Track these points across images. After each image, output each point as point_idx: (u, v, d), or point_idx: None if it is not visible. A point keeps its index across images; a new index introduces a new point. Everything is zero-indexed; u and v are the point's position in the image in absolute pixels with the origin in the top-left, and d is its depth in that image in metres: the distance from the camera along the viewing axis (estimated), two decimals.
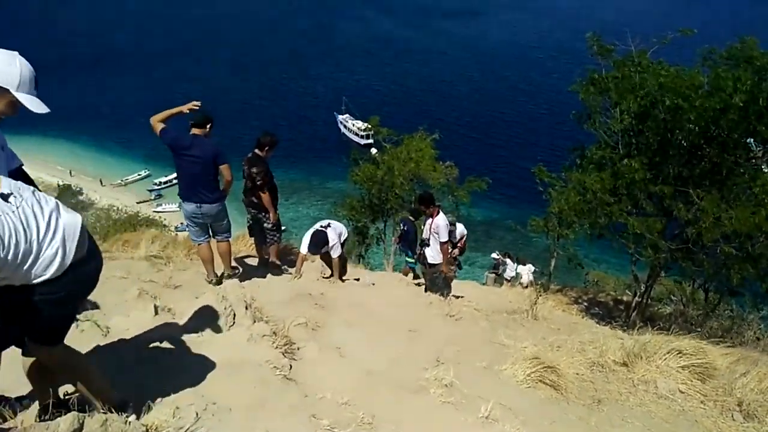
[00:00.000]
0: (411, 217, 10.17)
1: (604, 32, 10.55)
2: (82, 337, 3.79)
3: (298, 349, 4.25)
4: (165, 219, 32.07)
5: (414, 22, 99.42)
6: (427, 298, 7.57)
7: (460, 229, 8.90)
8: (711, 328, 10.00)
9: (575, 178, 10.46)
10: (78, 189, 42.16)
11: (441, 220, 7.48)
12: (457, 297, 8.14)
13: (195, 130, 6.14)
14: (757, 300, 9.23)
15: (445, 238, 7.51)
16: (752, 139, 8.88)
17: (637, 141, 9.85)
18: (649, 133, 9.46)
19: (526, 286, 15.72)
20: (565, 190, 11.54)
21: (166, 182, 54.58)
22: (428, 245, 7.72)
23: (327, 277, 7.85)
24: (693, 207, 8.78)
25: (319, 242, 7.10)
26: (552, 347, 5.38)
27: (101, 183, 54.16)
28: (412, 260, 9.71)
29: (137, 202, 48.46)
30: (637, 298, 11.84)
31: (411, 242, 9.86)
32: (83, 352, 3.65)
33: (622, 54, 10.40)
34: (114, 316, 4.39)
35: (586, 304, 14.78)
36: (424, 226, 7.84)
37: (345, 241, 7.74)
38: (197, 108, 5.74)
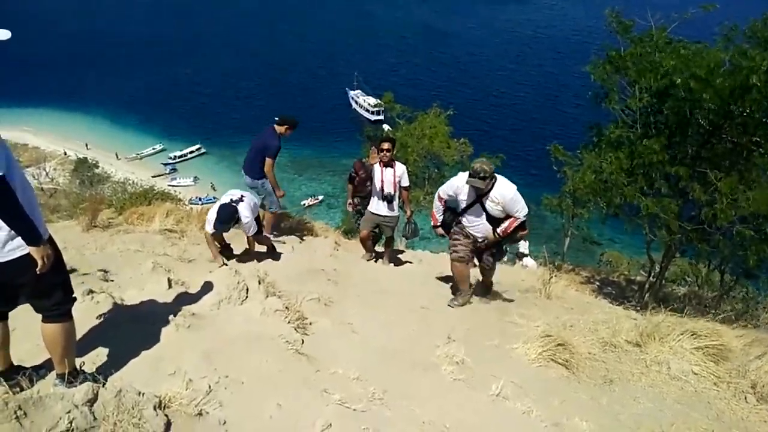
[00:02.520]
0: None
1: (626, 8, 10.31)
2: (97, 308, 3.84)
3: (311, 324, 4.27)
4: (180, 193, 32.23)
5: (432, 4, 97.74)
6: (440, 276, 7.58)
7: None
8: (725, 310, 9.91)
9: (590, 159, 10.32)
10: (94, 162, 42.38)
11: (402, 166, 7.02)
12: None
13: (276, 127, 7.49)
14: None
15: (407, 182, 7.10)
16: None
17: (655, 120, 9.66)
18: (668, 112, 9.27)
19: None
20: (580, 169, 11.40)
21: (180, 156, 54.89)
22: (393, 198, 6.96)
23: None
24: (710, 188, 8.64)
25: (227, 218, 5.81)
26: (564, 326, 5.35)
27: (117, 156, 54.49)
28: None
29: (152, 176, 48.73)
30: (651, 279, 11.75)
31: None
32: (97, 323, 3.72)
33: (641, 31, 10.16)
34: (128, 288, 4.43)
35: (599, 283, 14.71)
36: (380, 176, 6.86)
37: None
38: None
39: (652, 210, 9.28)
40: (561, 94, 63.32)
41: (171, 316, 3.75)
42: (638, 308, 10.04)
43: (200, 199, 41.93)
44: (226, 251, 6.45)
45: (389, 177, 6.85)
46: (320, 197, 47.89)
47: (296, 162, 53.43)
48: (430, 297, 5.90)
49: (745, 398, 4.29)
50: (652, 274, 11.87)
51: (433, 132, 15.96)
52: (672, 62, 8.35)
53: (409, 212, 7.31)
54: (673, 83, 8.37)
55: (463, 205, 5.45)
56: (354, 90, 64.89)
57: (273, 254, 6.61)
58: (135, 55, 76.08)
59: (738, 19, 9.47)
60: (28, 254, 2.60)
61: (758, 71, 7.64)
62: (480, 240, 5.52)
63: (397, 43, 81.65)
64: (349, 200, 8.01)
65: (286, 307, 4.13)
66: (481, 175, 5.08)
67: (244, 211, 5.91)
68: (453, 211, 5.68)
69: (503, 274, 11.94)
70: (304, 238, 8.52)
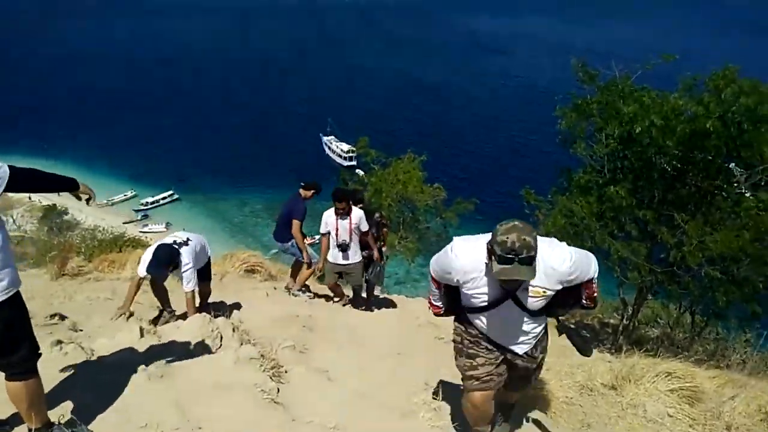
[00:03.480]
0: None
1: (590, 59, 10.70)
2: (65, 359, 3.73)
3: (286, 372, 4.21)
4: (151, 239, 31.77)
5: (406, 54, 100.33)
6: (416, 321, 7.56)
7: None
8: (697, 351, 10.03)
9: (562, 202, 10.51)
10: (63, 209, 41.70)
11: (359, 212, 7.05)
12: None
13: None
14: (743, 323, 9.27)
15: (366, 227, 7.10)
16: (734, 164, 8.99)
17: (621, 165, 9.94)
18: (633, 157, 9.56)
19: None
20: (551, 213, 11.59)
21: (152, 203, 54.33)
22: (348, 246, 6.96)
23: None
24: (677, 230, 8.85)
25: (165, 259, 5.04)
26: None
27: (87, 203, 53.64)
28: None
29: (123, 223, 47.96)
30: (624, 321, 11.85)
31: None
32: (66, 374, 3.61)
33: (606, 79, 10.53)
34: (99, 337, 4.32)
35: (572, 326, 14.77)
36: (335, 226, 6.88)
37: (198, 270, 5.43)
38: None
39: (622, 254, 9.43)
40: (531, 140, 64.87)
41: (143, 366, 3.66)
42: (612, 351, 10.09)
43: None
44: (164, 308, 5.61)
45: (345, 225, 6.91)
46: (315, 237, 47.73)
47: (271, 207, 53.27)
48: (405, 343, 5.87)
49: None
50: (625, 316, 11.99)
51: (407, 177, 16.16)
52: (631, 109, 8.66)
53: (376, 254, 7.41)
54: (636, 127, 8.66)
55: (478, 302, 3.11)
56: (328, 135, 65.63)
57: (164, 316, 5.60)
58: (108, 102, 76.00)
59: (702, 70, 9.90)
60: (7, 300, 2.54)
61: (713, 118, 7.96)
62: (521, 354, 3.34)
63: (371, 90, 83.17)
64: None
65: (262, 355, 4.07)
66: (526, 254, 2.70)
67: (186, 257, 5.15)
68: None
69: None
70: (278, 284, 8.46)
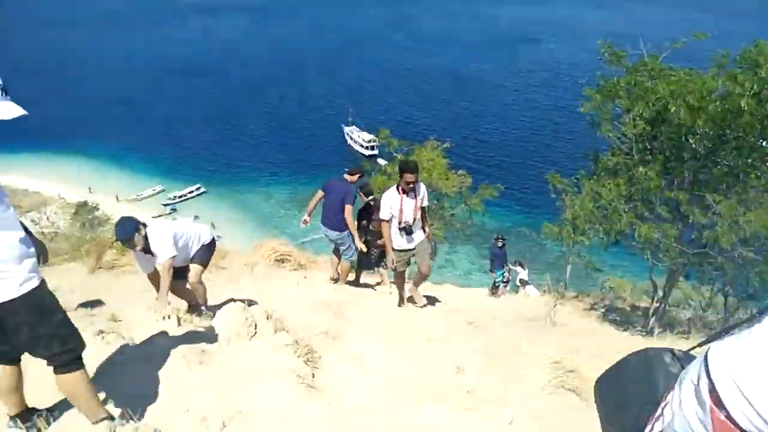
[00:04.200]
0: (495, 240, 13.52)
1: (615, 41, 10.54)
2: (108, 348, 3.86)
3: (320, 358, 4.29)
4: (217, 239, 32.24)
5: (423, 44, 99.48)
6: (444, 307, 7.60)
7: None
8: (732, 332, 9.87)
9: (589, 186, 10.43)
10: (95, 205, 42.56)
11: (423, 186, 6.23)
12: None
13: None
14: None
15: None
16: (766, 141, 8.81)
17: (651, 146, 9.80)
18: (663, 138, 9.41)
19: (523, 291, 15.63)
20: (579, 197, 11.50)
21: (180, 196, 55.13)
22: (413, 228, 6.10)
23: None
24: (709, 211, 8.72)
25: (128, 228, 4.70)
26: (572, 352, 5.36)
27: (117, 199, 54.73)
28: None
29: (152, 217, 48.84)
30: (655, 304, 11.74)
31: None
32: (107, 362, 3.74)
33: (634, 60, 10.38)
34: (138, 328, 4.45)
35: (603, 310, 14.68)
36: (400, 208, 5.91)
37: (198, 251, 5.34)
38: None
39: (648, 235, 9.34)
40: (557, 125, 64.04)
41: (182, 354, 3.77)
42: (644, 333, 10.02)
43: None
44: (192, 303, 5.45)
45: (411, 204, 5.97)
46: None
47: (296, 198, 53.73)
48: (436, 328, 5.92)
49: None
50: (656, 298, 11.87)
51: (432, 164, 16.13)
52: (667, 88, 8.51)
53: (428, 230, 6.49)
54: (667, 109, 8.53)
55: None
56: (349, 126, 65.75)
57: (196, 309, 5.44)
58: (133, 102, 77.11)
59: (729, 46, 9.70)
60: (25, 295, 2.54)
61: (747, 95, 7.81)
62: None
63: (394, 81, 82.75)
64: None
65: (296, 342, 4.15)
66: None
67: (157, 237, 4.76)
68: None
69: (507, 303, 11.98)
70: (307, 272, 8.56)
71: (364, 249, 7.40)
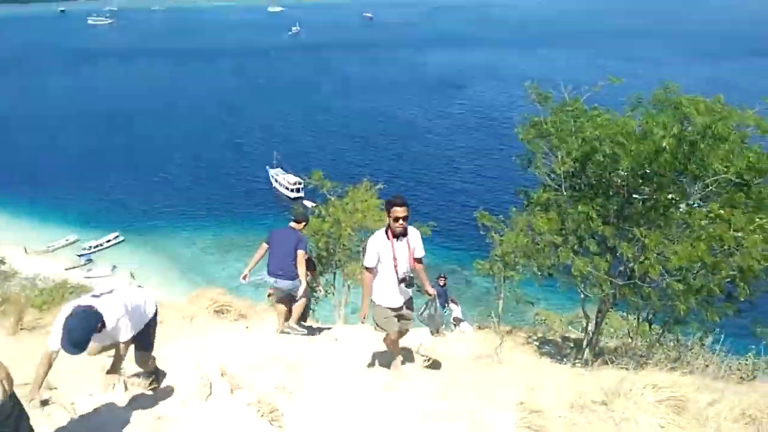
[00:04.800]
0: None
1: (540, 84, 11.08)
2: (50, 422, 3.51)
3: (283, 415, 4.09)
4: (97, 285, 30.54)
5: (350, 89, 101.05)
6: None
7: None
8: (660, 359, 10.31)
9: (523, 221, 10.74)
10: (0, 259, 39.64)
11: (415, 231, 5.61)
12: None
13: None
14: (704, 327, 9.60)
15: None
16: (684, 177, 9.40)
17: (579, 182, 10.25)
18: (591, 174, 9.88)
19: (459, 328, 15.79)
20: (509, 233, 11.82)
21: (96, 246, 52.34)
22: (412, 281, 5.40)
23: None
24: (637, 244, 9.15)
25: (79, 337, 3.51)
26: (528, 390, 5.40)
27: (25, 250, 51.21)
28: None
29: (66, 269, 45.95)
30: (588, 335, 12.10)
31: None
32: None
33: (557, 102, 10.91)
34: (79, 396, 4.09)
35: (537, 343, 14.98)
36: (393, 254, 5.19)
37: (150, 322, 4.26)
38: None
39: (582, 270, 9.66)
40: (486, 166, 65.96)
41: (135, 424, 3.49)
42: (579, 364, 10.28)
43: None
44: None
45: (404, 250, 5.21)
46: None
47: (221, 244, 52.31)
48: (391, 372, 5.81)
49: None
50: (589, 329, 12.24)
51: (365, 206, 16.16)
52: (594, 131, 8.97)
53: (431, 289, 5.53)
54: (595, 150, 8.96)
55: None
56: (274, 168, 65.26)
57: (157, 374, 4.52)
58: (42, 144, 73.38)
59: (639, 89, 10.42)
60: None
61: (668, 135, 8.35)
62: None
63: (319, 125, 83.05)
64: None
65: (258, 401, 3.94)
66: None
67: (111, 308, 3.76)
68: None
69: (450, 342, 12.01)
70: (249, 322, 8.26)
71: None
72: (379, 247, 5.18)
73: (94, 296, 3.85)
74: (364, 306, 5.32)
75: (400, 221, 5.07)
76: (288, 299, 7.31)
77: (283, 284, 7.01)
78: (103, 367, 4.71)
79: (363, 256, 6.14)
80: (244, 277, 7.11)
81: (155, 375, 4.53)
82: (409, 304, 5.50)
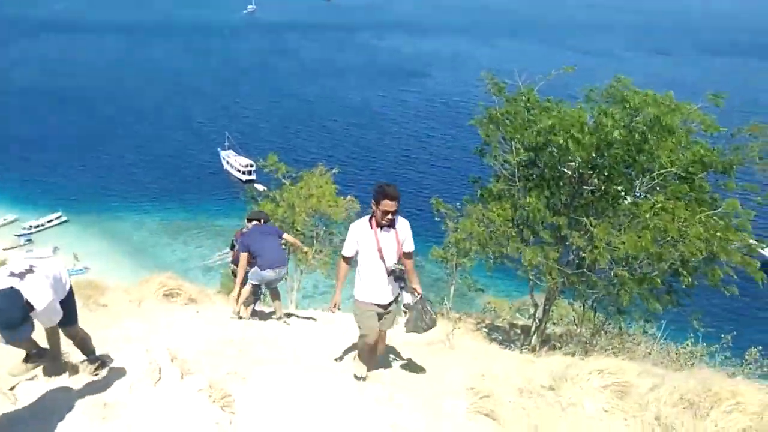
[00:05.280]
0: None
1: (496, 73, 11.18)
2: None
3: (234, 401, 4.03)
4: (10, 260, 29.26)
5: (307, 73, 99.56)
6: (345, 333, 7.48)
7: None
8: (604, 347, 10.66)
9: (478, 211, 10.86)
10: None
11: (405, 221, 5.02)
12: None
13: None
14: (646, 317, 9.97)
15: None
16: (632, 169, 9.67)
17: (532, 173, 10.43)
18: (543, 165, 10.07)
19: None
20: (464, 221, 11.95)
21: (37, 226, 50.35)
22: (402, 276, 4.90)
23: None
24: (586, 234, 9.39)
25: (15, 312, 3.14)
26: (479, 376, 5.49)
27: None
28: None
29: (3, 249, 44.10)
30: (536, 322, 12.40)
31: None
32: None
33: (513, 91, 11.04)
34: (20, 381, 3.91)
35: (486, 329, 15.29)
36: (377, 245, 4.66)
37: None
38: None
39: (533, 259, 9.85)
40: (442, 153, 66.50)
41: (80, 410, 3.37)
42: (528, 350, 10.54)
43: (68, 271, 38.56)
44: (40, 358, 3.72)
45: (391, 241, 4.71)
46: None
47: (170, 226, 51.15)
48: (344, 355, 5.82)
49: (653, 430, 4.61)
50: (536, 316, 12.55)
51: (321, 191, 16.06)
52: (549, 122, 9.11)
53: (418, 287, 5.00)
54: (548, 141, 9.13)
55: None
56: (226, 150, 64.10)
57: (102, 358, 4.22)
58: None
59: (592, 81, 10.65)
60: None
61: (617, 127, 8.59)
62: None
63: (274, 108, 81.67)
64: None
65: (210, 386, 3.87)
66: None
67: (37, 289, 3.34)
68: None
69: (400, 328, 12.13)
70: (199, 306, 8.10)
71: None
72: (360, 236, 4.70)
73: (12, 275, 3.34)
74: (335, 295, 4.94)
75: (389, 216, 4.54)
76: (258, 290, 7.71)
77: (282, 271, 7.44)
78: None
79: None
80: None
81: (100, 360, 4.27)
82: (392, 307, 4.96)
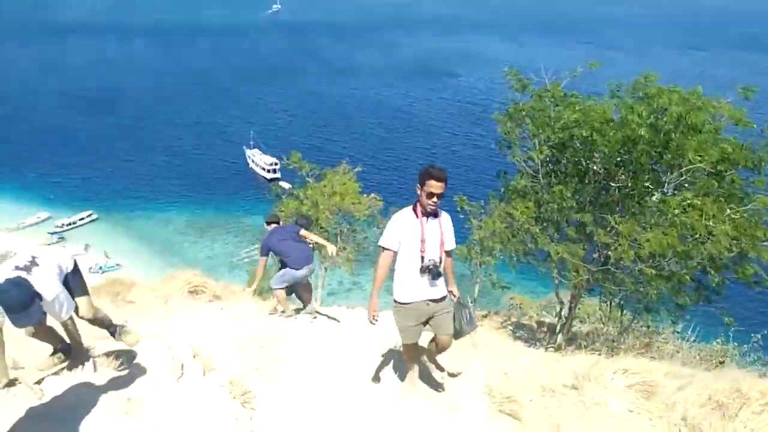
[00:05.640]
0: None
1: (522, 69, 11.07)
2: (16, 402, 3.43)
3: (255, 398, 4.06)
4: (14, 253, 29.89)
5: (332, 72, 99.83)
6: (368, 333, 7.49)
7: None
8: (633, 345, 10.51)
9: (501, 208, 10.79)
10: None
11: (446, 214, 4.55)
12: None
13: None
14: (673, 314, 9.80)
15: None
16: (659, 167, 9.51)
17: (556, 169, 10.32)
18: (567, 162, 9.95)
19: None
20: (487, 219, 11.89)
21: (69, 224, 51.49)
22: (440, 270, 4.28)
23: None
24: (612, 231, 9.26)
25: (18, 302, 3.15)
26: (501, 375, 5.44)
27: None
28: None
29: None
30: (561, 320, 12.27)
31: None
32: (17, 418, 3.32)
33: (538, 87, 10.93)
34: (47, 376, 4.01)
35: (512, 327, 15.18)
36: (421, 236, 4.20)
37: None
38: None
39: (561, 255, 9.76)
40: (466, 151, 66.16)
41: (104, 405, 3.43)
42: (553, 349, 10.43)
43: (101, 268, 39.44)
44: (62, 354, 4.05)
45: (435, 232, 4.27)
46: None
47: (196, 224, 51.84)
48: (364, 357, 5.82)
49: (680, 431, 4.52)
50: (562, 314, 12.41)
51: (344, 189, 16.13)
52: (573, 116, 9.00)
53: (455, 290, 4.61)
54: (572, 136, 9.01)
55: None
56: (251, 149, 64.75)
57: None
58: (11, 119, 71.52)
59: (619, 77, 10.47)
60: None
61: (643, 125, 8.43)
62: None
63: (300, 107, 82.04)
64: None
65: (230, 382, 3.90)
66: None
67: (45, 281, 3.44)
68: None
69: None
70: (224, 303, 8.19)
71: None
72: (404, 225, 4.22)
73: (18, 268, 3.42)
74: (373, 299, 4.25)
75: (435, 198, 4.13)
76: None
77: (310, 268, 7.61)
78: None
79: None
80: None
81: (122, 329, 4.27)
82: (443, 303, 4.36)
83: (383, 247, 4.22)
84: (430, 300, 4.23)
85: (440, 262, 4.21)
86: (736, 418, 4.48)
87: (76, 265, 4.09)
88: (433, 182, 4.10)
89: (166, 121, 74.48)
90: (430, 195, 4.11)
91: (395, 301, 4.28)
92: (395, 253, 4.20)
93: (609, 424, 4.52)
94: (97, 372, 4.04)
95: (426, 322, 4.34)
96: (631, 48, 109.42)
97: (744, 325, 10.70)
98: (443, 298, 4.33)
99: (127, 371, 4.05)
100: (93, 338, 5.16)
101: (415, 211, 4.23)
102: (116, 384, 3.81)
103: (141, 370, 4.01)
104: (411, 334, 4.34)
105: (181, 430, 3.27)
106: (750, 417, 4.47)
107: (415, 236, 4.14)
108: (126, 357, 4.37)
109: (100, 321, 4.24)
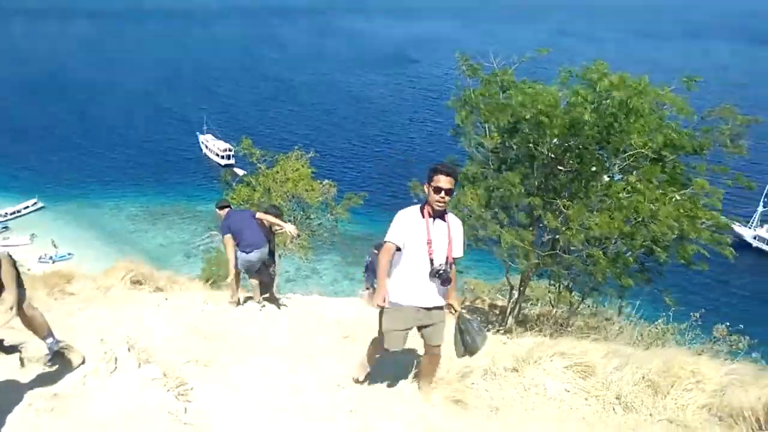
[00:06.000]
0: (375, 250, 10.94)
1: (476, 55, 11.08)
2: None
3: (192, 389, 3.97)
4: (14, 254, 28.85)
5: (287, 56, 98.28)
6: (319, 320, 7.44)
7: None
8: (580, 326, 10.76)
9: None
10: None
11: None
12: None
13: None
14: (619, 294, 10.08)
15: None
16: (604, 151, 9.69)
17: (506, 155, 10.42)
18: (517, 146, 10.06)
19: None
20: None
21: (13, 213, 49.56)
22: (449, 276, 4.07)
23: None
24: (560, 215, 9.43)
25: None
26: (447, 359, 5.48)
27: None
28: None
29: None
30: (511, 303, 12.49)
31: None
32: None
33: (488, 72, 10.98)
34: None
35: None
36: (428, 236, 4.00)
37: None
38: None
39: (511, 241, 9.88)
40: (420, 136, 66.56)
41: (27, 402, 3.29)
42: (502, 332, 10.59)
43: (51, 258, 38.09)
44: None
45: (443, 233, 4.08)
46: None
47: (149, 211, 50.67)
48: (312, 344, 5.78)
49: (614, 409, 4.65)
50: (513, 298, 12.62)
51: (297, 175, 15.93)
52: (519, 98, 9.09)
53: (455, 304, 4.42)
54: (520, 119, 9.11)
55: None
56: (204, 134, 63.54)
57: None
58: None
59: (569, 62, 10.61)
60: None
61: (588, 109, 8.58)
62: None
63: (255, 93, 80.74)
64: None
65: (165, 374, 3.81)
66: None
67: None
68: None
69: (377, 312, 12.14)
70: (167, 294, 8.00)
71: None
72: (409, 224, 4.03)
73: None
74: (381, 287, 4.01)
75: (442, 194, 3.93)
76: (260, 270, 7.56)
77: (265, 250, 7.39)
78: None
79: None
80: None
81: (51, 344, 3.92)
82: (439, 314, 4.25)
83: (387, 242, 4.03)
84: (424, 308, 4.10)
85: (450, 267, 4.03)
86: (668, 396, 4.64)
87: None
88: (441, 177, 3.95)
89: (117, 107, 72.31)
90: (438, 190, 3.93)
91: (389, 300, 4.07)
92: (398, 250, 4.02)
93: (546, 406, 4.62)
94: (24, 367, 3.89)
95: (422, 328, 4.25)
96: (596, 35, 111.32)
97: (686, 304, 11.10)
98: (439, 308, 4.22)
99: (56, 366, 3.91)
100: (18, 332, 4.97)
101: (422, 211, 4.05)
102: (42, 380, 3.67)
103: (71, 365, 3.87)
104: (395, 340, 4.18)
105: (110, 427, 3.18)
106: (680, 394, 4.64)
107: (421, 237, 3.98)
108: (54, 351, 4.21)
109: (33, 321, 3.92)
